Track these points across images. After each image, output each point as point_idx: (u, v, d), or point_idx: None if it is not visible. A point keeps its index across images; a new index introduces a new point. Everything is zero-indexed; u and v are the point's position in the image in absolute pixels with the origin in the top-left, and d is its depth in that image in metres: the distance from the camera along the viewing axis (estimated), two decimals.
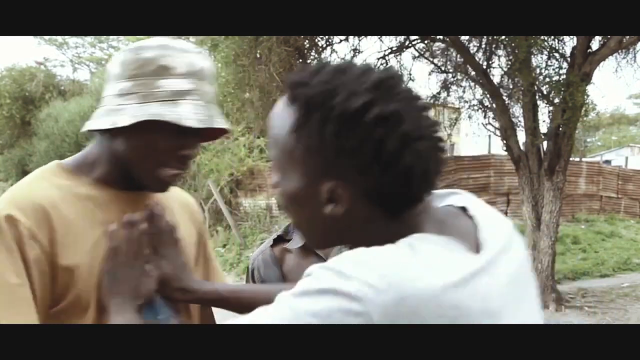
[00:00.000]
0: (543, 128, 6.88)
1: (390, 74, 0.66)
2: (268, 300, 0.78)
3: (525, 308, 0.67)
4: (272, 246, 1.40)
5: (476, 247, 0.65)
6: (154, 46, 0.95)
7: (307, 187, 0.67)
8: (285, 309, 0.61)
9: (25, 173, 6.14)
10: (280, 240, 1.40)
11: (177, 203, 1.16)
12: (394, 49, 7.23)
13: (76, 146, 14.63)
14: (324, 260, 1.28)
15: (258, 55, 6.32)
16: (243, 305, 1.04)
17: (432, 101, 8.10)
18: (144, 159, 0.97)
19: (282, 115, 0.69)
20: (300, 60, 6.62)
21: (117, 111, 0.94)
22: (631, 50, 7.29)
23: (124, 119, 0.92)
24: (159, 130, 0.94)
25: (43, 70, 18.52)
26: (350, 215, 0.67)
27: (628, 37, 6.12)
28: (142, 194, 1.05)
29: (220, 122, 0.98)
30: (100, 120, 0.95)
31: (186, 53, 0.96)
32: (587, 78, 6.31)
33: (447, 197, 0.75)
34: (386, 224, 0.67)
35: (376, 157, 0.62)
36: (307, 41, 6.60)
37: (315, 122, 0.64)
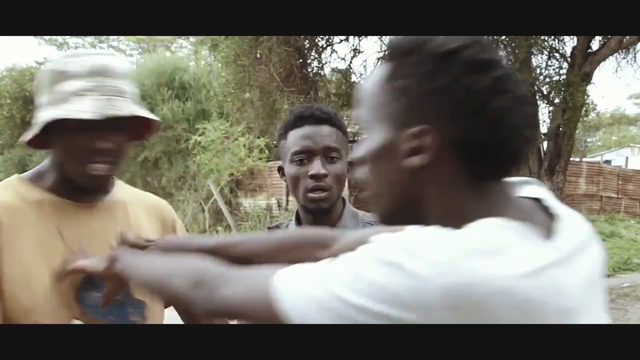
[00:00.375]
0: (543, 128, 6.89)
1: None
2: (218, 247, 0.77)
3: (596, 313, 0.64)
4: None
5: (551, 240, 0.62)
6: (58, 57, 1.07)
7: (393, 136, 0.66)
8: (348, 267, 0.60)
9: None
10: None
11: (144, 206, 1.25)
12: None
13: None
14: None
15: (258, 55, 6.32)
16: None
17: None
18: (68, 159, 1.06)
19: (375, 74, 0.70)
20: (300, 61, 6.62)
21: (36, 123, 1.04)
22: (631, 50, 7.29)
23: (36, 129, 1.03)
24: (68, 130, 1.02)
25: None
26: (433, 171, 0.65)
27: (628, 37, 6.12)
28: (93, 205, 1.15)
29: (122, 110, 1.03)
30: (25, 135, 1.07)
31: (86, 56, 1.05)
32: (587, 78, 6.32)
33: (522, 186, 0.72)
34: (466, 195, 0.65)
35: (466, 99, 0.62)
36: (307, 41, 6.60)
37: (409, 65, 0.64)
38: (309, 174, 1.25)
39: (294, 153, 1.27)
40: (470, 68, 0.62)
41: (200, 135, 9.80)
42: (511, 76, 0.64)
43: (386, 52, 0.70)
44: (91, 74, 1.03)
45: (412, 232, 0.59)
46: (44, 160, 1.16)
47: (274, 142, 9.85)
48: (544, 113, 6.94)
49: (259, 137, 9.66)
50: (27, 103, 16.74)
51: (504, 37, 6.42)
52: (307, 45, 6.76)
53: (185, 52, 17.03)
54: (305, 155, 1.26)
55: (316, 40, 6.74)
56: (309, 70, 6.83)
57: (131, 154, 12.27)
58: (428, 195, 0.67)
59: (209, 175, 10.15)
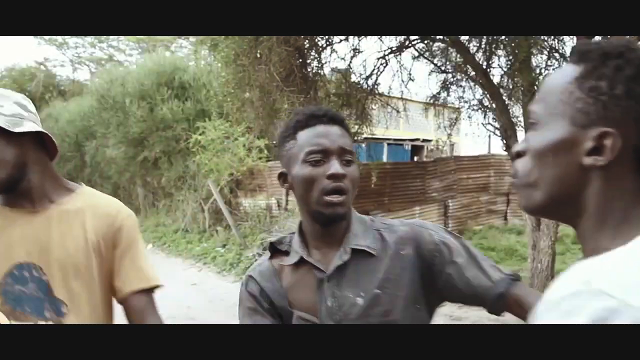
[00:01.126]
0: None
1: None
2: None
3: None
4: (270, 259, 1.29)
5: None
6: None
7: (574, 133, 0.66)
8: (551, 296, 0.59)
9: None
10: (275, 250, 1.30)
11: (93, 212, 1.36)
12: (394, 49, 7.23)
13: (76, 146, 14.63)
14: (324, 272, 1.19)
15: (258, 55, 6.32)
16: None
17: (432, 101, 8.10)
18: None
19: (561, 72, 0.70)
20: (300, 60, 6.62)
21: None
22: None
23: None
24: None
25: (43, 70, 18.52)
26: (605, 174, 0.65)
27: (628, 37, 6.12)
28: (26, 211, 1.31)
29: None
30: None
31: None
32: None
33: None
34: (635, 203, 0.65)
35: None
36: (307, 41, 6.60)
37: (609, 67, 0.65)
38: (328, 173, 1.14)
39: (309, 153, 1.16)
40: None
41: (200, 135, 9.80)
42: None
43: (579, 52, 0.69)
44: None
45: (596, 271, 0.58)
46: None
47: (274, 142, 9.84)
48: None
49: (259, 138, 9.65)
50: None
51: (503, 37, 6.43)
52: (307, 45, 6.75)
53: (185, 52, 17.02)
54: (321, 155, 1.16)
55: (316, 40, 6.74)
56: (309, 70, 6.83)
57: (131, 153, 12.26)
58: (591, 196, 0.67)
59: (208, 175, 10.14)
